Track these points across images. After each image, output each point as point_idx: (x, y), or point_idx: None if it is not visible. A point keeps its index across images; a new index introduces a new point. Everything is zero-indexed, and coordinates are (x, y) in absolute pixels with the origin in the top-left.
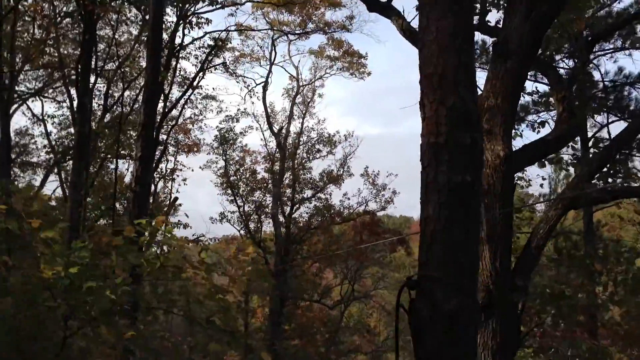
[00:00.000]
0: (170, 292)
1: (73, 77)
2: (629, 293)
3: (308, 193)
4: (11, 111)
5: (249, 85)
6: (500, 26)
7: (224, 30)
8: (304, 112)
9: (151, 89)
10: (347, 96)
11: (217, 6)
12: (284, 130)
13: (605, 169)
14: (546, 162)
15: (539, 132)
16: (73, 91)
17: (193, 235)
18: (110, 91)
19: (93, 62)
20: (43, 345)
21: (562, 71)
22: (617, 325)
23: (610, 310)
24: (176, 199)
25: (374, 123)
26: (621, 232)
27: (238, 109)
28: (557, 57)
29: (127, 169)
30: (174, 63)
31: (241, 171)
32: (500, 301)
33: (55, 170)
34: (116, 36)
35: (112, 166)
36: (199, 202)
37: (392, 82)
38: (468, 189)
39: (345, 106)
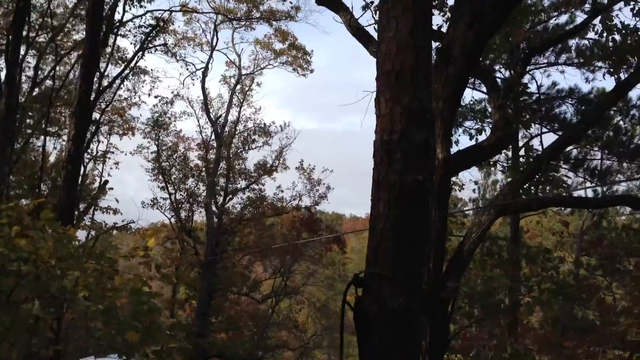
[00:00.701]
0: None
1: (1, 46)
2: (552, 298)
3: (242, 184)
4: None
5: (189, 68)
6: (444, 31)
7: (167, 10)
8: (241, 100)
9: (89, 63)
10: (285, 87)
11: None
12: (221, 119)
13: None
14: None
15: (476, 139)
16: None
17: (123, 221)
18: (40, 64)
19: (25, 32)
20: None
21: (498, 80)
22: (537, 330)
23: (531, 313)
24: (106, 182)
25: (311, 117)
26: (541, 239)
27: (172, 92)
28: (495, 67)
29: (54, 148)
30: (111, 40)
31: (174, 157)
32: (431, 302)
33: None
34: (51, 7)
35: (38, 144)
36: (128, 187)
37: (332, 77)
38: (419, 189)
39: (282, 98)
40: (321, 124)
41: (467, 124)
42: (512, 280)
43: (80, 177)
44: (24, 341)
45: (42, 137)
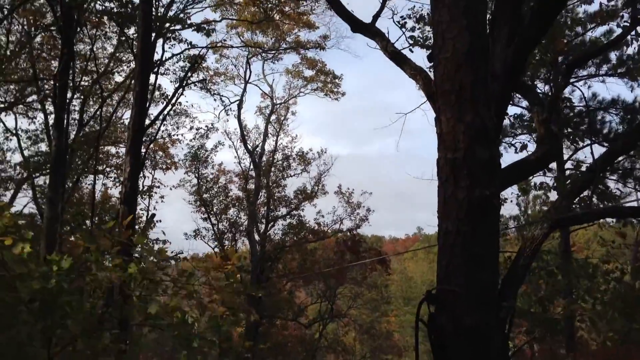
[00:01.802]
0: (159, 307)
1: (47, 91)
2: (617, 313)
3: (283, 211)
4: None
5: (224, 103)
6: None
7: (204, 47)
8: (277, 130)
9: (141, 103)
10: (316, 115)
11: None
12: (258, 149)
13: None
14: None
15: (518, 152)
16: (47, 106)
17: (172, 252)
18: (85, 107)
19: (70, 77)
20: None
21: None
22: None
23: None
24: (153, 215)
25: (344, 143)
26: (588, 252)
27: (206, 126)
28: (535, 82)
29: (102, 187)
30: (152, 78)
31: (215, 189)
32: None
33: (25, 186)
34: (94, 50)
35: (85, 184)
36: (167, 220)
37: (362, 101)
38: (487, 204)
39: (314, 125)
40: (354, 148)
41: (507, 139)
42: (566, 296)
43: None
44: None
45: (91, 176)
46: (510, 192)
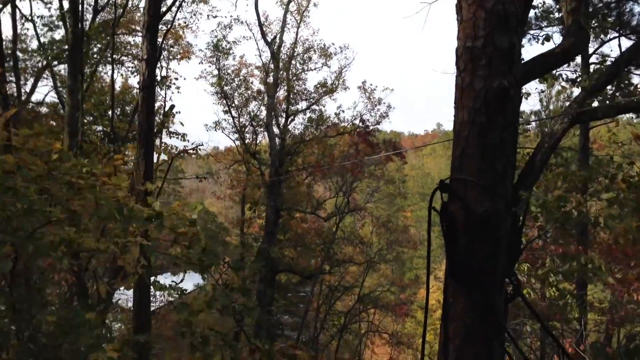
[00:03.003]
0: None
1: None
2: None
3: (303, 105)
4: None
5: None
6: None
7: None
8: (298, 21)
9: None
10: (341, 4)
11: None
12: (277, 40)
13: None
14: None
15: (543, 44)
16: None
17: (192, 143)
18: None
19: None
20: None
21: None
22: (613, 243)
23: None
24: (173, 106)
25: (368, 33)
26: (609, 150)
27: (231, 17)
28: None
29: (122, 77)
30: None
31: (236, 82)
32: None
33: (46, 74)
34: None
35: (104, 73)
36: (189, 113)
37: None
38: (505, 94)
39: (337, 16)
40: (378, 40)
41: (532, 32)
42: (582, 193)
43: None
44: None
45: (109, 66)
46: (534, 87)
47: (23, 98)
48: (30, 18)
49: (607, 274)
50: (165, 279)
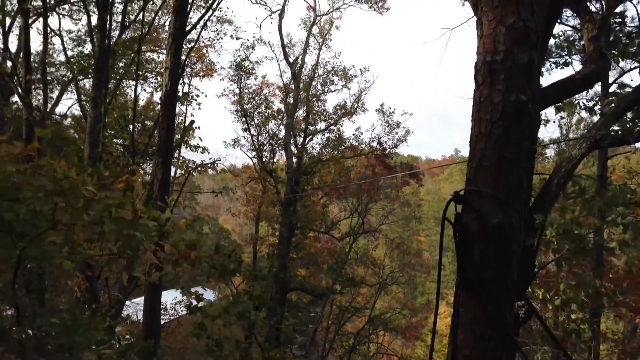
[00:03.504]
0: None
1: None
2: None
3: (321, 125)
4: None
5: (267, 9)
6: None
7: None
8: (320, 43)
9: (181, 5)
10: (361, 29)
11: None
12: (299, 61)
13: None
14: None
15: (562, 68)
16: (90, 7)
17: (210, 158)
18: (127, 9)
19: None
20: None
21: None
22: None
23: (617, 255)
24: (193, 122)
25: (388, 59)
26: (628, 180)
27: (254, 37)
28: None
29: (144, 90)
30: None
31: (256, 100)
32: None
33: (70, 88)
34: None
35: (128, 88)
36: (209, 131)
37: (406, 17)
38: (523, 108)
39: (358, 40)
40: (397, 65)
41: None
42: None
43: None
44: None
45: (132, 81)
46: (554, 115)
47: (48, 109)
48: (58, 33)
49: (619, 299)
50: (175, 291)
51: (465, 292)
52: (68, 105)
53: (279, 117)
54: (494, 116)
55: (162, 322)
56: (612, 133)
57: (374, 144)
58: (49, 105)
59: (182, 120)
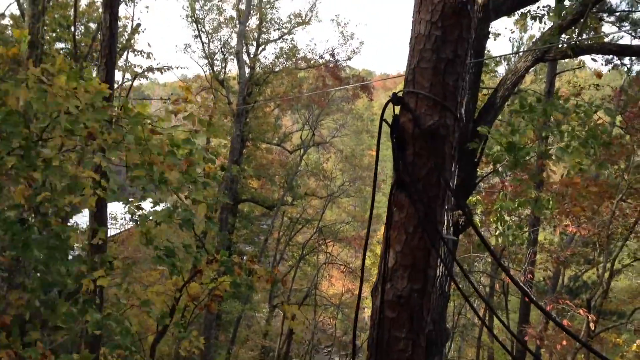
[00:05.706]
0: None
1: None
2: (580, 146)
3: (274, 34)
4: None
5: None
6: None
7: None
8: None
9: None
10: None
11: None
12: None
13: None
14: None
15: None
16: None
17: (157, 63)
18: None
19: None
20: None
21: None
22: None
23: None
24: (139, 24)
25: None
26: (575, 99)
27: None
28: None
29: None
30: None
31: (208, 5)
32: (461, 146)
33: None
34: None
35: None
36: (158, 36)
37: None
38: (462, 9)
39: None
40: None
41: None
42: (542, 129)
43: None
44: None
45: None
46: (504, 27)
47: None
48: None
49: (556, 208)
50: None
51: (399, 191)
52: (6, 4)
53: (231, 24)
54: (434, 16)
55: (112, 234)
56: (557, 45)
57: (327, 56)
58: None
59: (128, 23)
